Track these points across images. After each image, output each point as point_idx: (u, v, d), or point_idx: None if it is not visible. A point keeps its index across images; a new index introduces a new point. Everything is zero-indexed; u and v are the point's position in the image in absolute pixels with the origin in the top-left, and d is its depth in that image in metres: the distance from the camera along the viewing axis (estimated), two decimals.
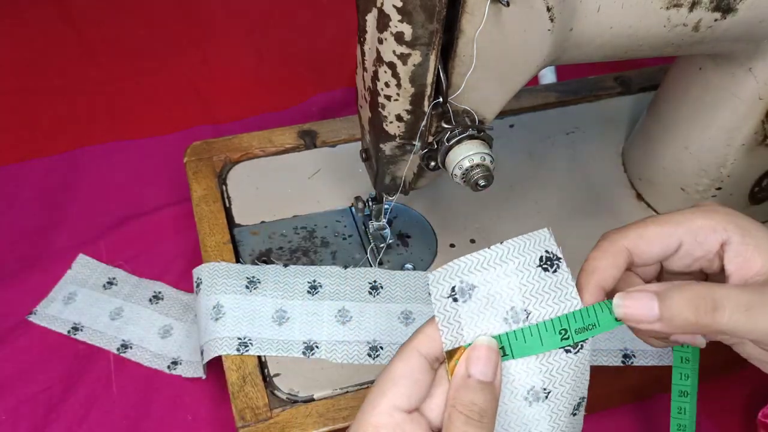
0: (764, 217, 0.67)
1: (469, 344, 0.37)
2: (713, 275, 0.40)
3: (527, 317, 0.37)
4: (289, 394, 0.54)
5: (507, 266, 0.38)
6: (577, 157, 0.73)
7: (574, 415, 0.38)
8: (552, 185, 0.70)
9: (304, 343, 0.55)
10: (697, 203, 0.41)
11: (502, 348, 0.37)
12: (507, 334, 0.37)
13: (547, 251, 0.39)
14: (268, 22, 0.99)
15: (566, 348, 0.37)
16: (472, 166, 0.49)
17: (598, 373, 0.56)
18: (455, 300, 0.37)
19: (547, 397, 0.37)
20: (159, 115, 0.86)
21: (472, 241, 0.65)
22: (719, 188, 0.63)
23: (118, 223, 0.73)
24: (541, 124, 0.76)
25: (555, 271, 0.38)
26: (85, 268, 0.69)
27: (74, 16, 0.97)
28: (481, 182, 0.49)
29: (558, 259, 0.38)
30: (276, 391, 0.54)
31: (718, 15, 0.49)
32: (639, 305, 0.36)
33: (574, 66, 0.85)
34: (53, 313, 0.66)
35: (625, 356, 0.56)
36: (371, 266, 0.62)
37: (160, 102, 0.88)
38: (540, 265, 0.38)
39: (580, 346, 0.37)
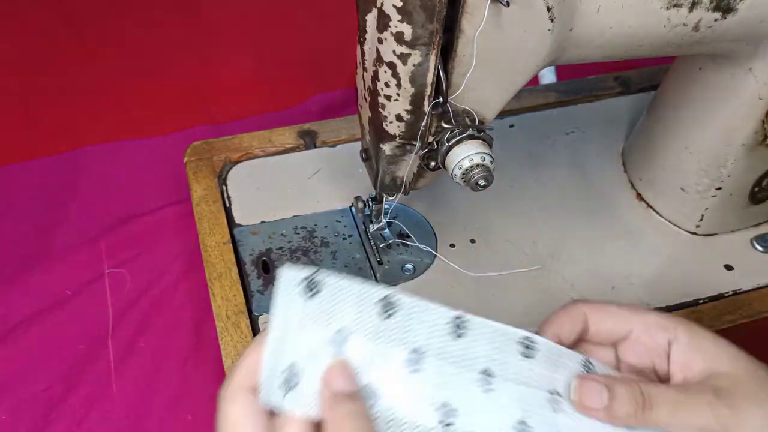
0: (764, 218, 0.67)
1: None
2: (663, 377, 0.42)
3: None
4: None
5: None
6: (577, 157, 0.73)
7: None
8: (552, 185, 0.70)
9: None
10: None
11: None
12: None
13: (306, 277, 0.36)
14: (268, 22, 0.99)
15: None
16: (472, 166, 0.49)
17: None
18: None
19: None
20: (159, 115, 0.86)
21: (472, 241, 0.65)
22: (719, 188, 0.63)
23: (118, 223, 0.73)
24: (541, 124, 0.76)
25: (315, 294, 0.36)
26: None
27: (74, 16, 0.97)
28: (481, 182, 0.49)
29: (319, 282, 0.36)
30: None
31: (718, 15, 0.49)
32: (592, 394, 0.38)
33: (574, 66, 0.85)
34: None
35: None
36: (371, 266, 0.62)
37: (160, 102, 0.88)
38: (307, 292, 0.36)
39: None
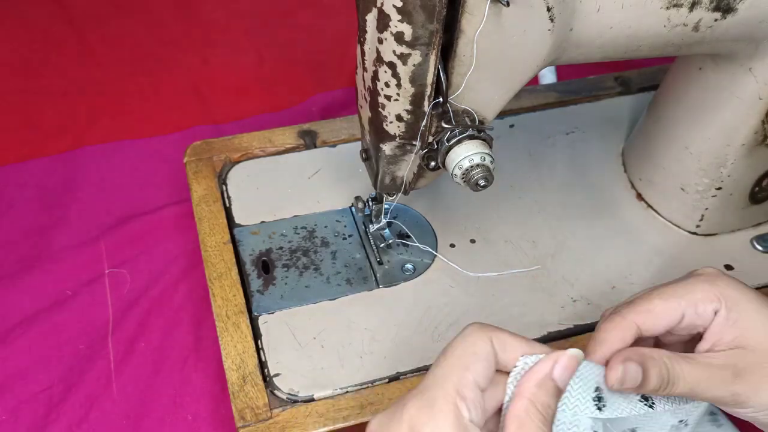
0: (764, 217, 0.67)
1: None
2: (695, 335, 0.45)
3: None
4: (289, 394, 0.54)
5: None
6: (577, 157, 0.73)
7: None
8: (552, 185, 0.70)
9: None
10: (698, 272, 0.46)
11: None
12: None
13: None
14: (268, 22, 0.99)
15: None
16: (472, 166, 0.49)
17: None
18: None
19: None
20: (159, 115, 0.86)
21: (472, 241, 0.65)
22: (719, 188, 0.63)
23: (118, 223, 0.73)
24: (541, 124, 0.76)
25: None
26: None
27: (74, 16, 0.97)
28: (481, 182, 0.49)
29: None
30: (276, 391, 0.54)
31: (718, 15, 0.49)
32: (629, 376, 0.41)
33: (574, 66, 0.85)
34: None
35: None
36: (371, 266, 0.62)
37: (160, 102, 0.88)
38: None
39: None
